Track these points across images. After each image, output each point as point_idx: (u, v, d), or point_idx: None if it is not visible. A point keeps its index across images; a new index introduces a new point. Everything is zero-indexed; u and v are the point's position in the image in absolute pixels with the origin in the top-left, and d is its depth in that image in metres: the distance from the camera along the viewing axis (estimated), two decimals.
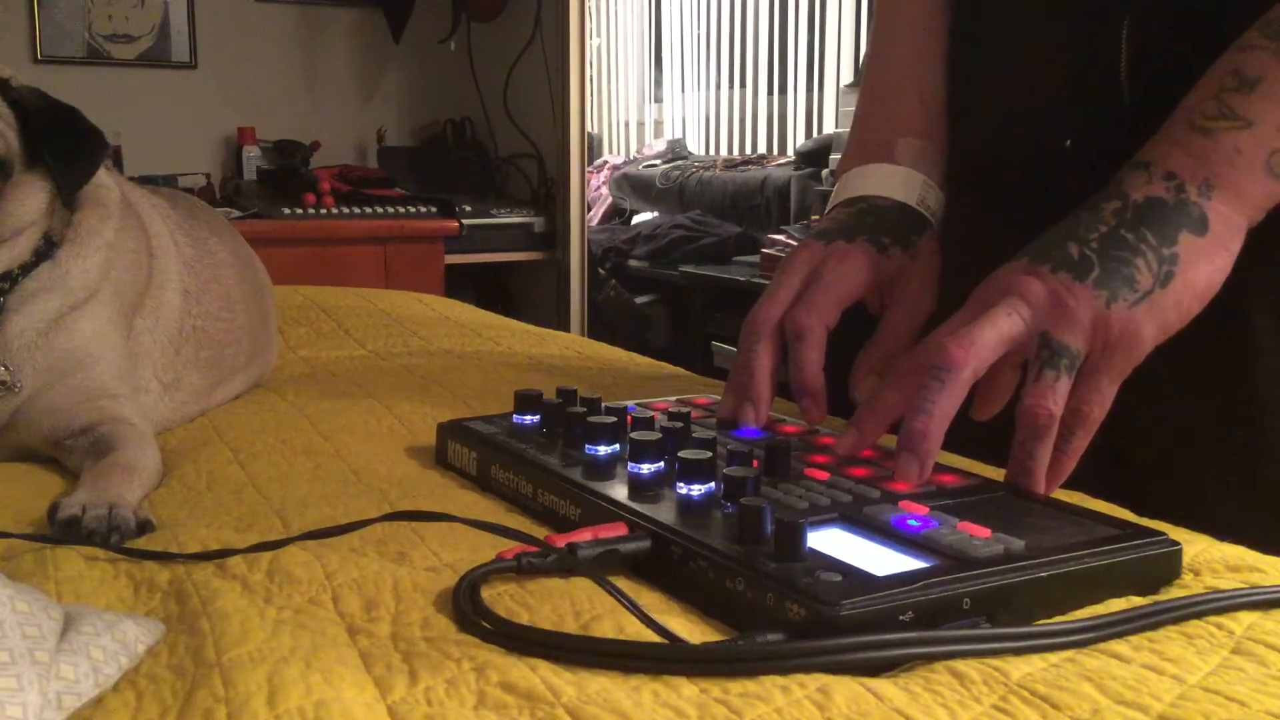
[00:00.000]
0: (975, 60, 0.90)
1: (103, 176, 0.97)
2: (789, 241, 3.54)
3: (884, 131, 0.89)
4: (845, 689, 0.45)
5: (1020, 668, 0.48)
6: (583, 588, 0.55)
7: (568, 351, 1.35)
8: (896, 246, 0.81)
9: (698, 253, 4.03)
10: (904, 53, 0.93)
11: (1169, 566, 0.59)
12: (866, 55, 0.98)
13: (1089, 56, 0.81)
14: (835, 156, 3.65)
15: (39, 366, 0.88)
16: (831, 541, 0.57)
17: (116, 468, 0.78)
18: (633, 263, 4.23)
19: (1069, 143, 0.83)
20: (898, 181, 0.86)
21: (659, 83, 5.49)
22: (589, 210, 3.53)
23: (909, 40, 0.93)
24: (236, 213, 2.96)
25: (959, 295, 0.71)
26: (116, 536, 0.66)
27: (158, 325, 1.00)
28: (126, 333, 0.96)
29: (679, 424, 0.71)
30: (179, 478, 0.81)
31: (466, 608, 0.52)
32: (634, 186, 4.87)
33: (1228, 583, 0.58)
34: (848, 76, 4.41)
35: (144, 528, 0.68)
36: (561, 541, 0.58)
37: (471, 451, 0.78)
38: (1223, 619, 0.54)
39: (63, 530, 0.67)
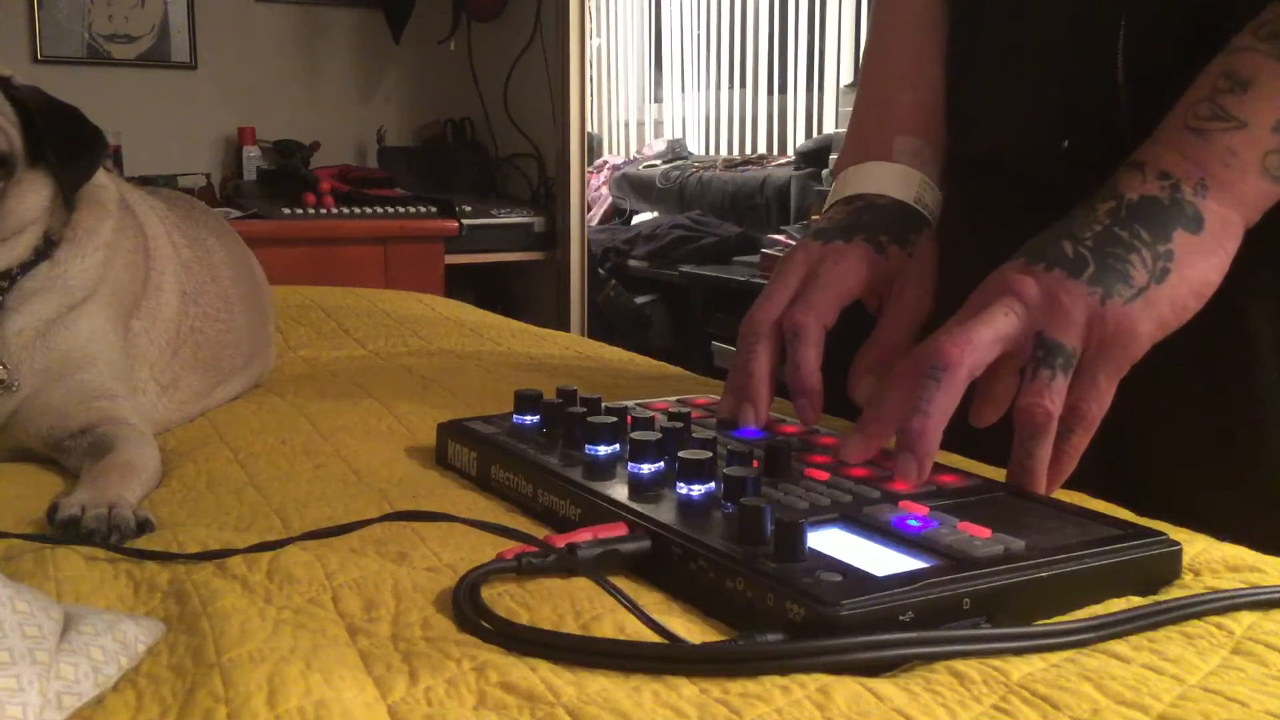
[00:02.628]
0: (973, 61, 0.90)
1: (100, 177, 0.97)
2: (789, 241, 3.54)
3: (881, 130, 0.89)
4: (845, 689, 0.45)
5: (1020, 668, 0.48)
6: (583, 588, 0.55)
7: (567, 351, 1.35)
8: (894, 245, 0.81)
9: (698, 253, 4.03)
10: (902, 51, 0.93)
11: (1169, 566, 0.59)
12: (864, 54, 0.98)
13: (1086, 58, 0.81)
14: (835, 156, 3.64)
15: (37, 366, 0.88)
16: (831, 541, 0.57)
17: (116, 467, 0.78)
18: (633, 263, 4.23)
19: (1066, 143, 0.83)
20: (895, 180, 0.85)
21: (659, 83, 5.48)
22: (589, 210, 3.53)
23: (907, 39, 0.93)
24: (236, 213, 2.96)
25: (957, 296, 0.71)
26: (116, 536, 0.66)
27: (155, 326, 1.00)
28: (124, 333, 0.96)
29: (679, 424, 0.71)
30: (179, 478, 0.81)
31: (466, 608, 0.52)
32: (634, 186, 4.87)
33: (1228, 583, 0.58)
34: (848, 76, 4.41)
35: (144, 527, 0.68)
36: (561, 541, 0.58)
37: (471, 451, 0.78)
38: (1223, 619, 0.54)
39: (62, 530, 0.67)
